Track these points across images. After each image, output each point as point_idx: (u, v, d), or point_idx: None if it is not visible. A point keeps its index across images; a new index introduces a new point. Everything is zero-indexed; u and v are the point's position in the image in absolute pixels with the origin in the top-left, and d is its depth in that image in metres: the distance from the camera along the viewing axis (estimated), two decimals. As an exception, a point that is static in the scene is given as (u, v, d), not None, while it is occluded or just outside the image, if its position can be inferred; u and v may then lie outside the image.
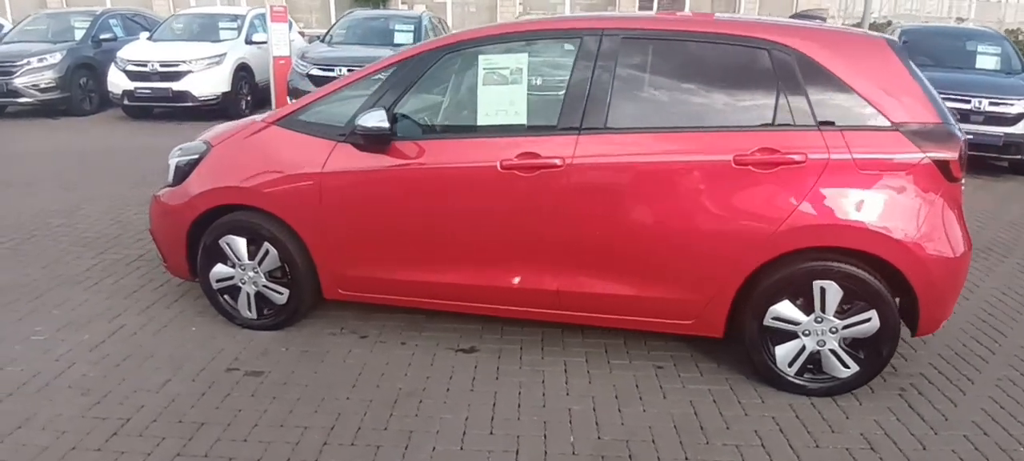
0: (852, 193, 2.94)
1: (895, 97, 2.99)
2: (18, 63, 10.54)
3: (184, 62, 10.31)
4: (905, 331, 3.15)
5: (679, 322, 3.25)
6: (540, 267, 3.27)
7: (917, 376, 3.38)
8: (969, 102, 7.82)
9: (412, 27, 10.92)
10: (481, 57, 3.32)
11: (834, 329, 3.05)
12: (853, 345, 3.10)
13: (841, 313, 3.04)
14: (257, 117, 3.79)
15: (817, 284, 3.01)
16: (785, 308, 3.07)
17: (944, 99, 3.17)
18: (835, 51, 3.06)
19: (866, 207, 2.93)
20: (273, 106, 10.20)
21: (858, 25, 14.69)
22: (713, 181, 3.04)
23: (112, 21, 12.14)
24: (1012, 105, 7.83)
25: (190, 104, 10.31)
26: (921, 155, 2.93)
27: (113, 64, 10.57)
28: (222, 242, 3.60)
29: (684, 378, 3.32)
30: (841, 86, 3.00)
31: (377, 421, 2.94)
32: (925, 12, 27.31)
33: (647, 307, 3.23)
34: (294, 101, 4.02)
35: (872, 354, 3.09)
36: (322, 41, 11.41)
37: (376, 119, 3.22)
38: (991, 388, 3.30)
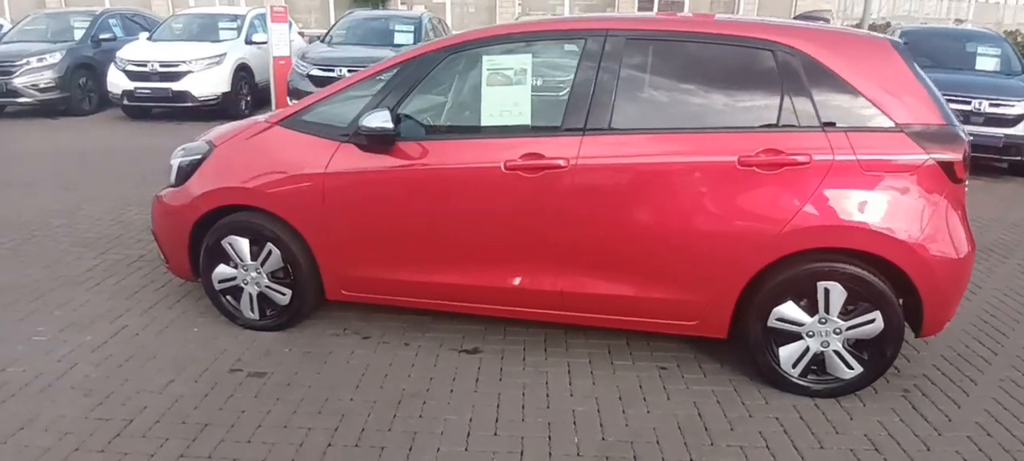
0: (856, 194, 2.94)
1: (899, 98, 2.99)
2: (17, 63, 10.51)
3: (184, 62, 10.30)
4: (908, 332, 3.15)
5: (683, 323, 3.25)
6: (544, 268, 3.26)
7: (921, 377, 3.39)
8: (969, 103, 7.81)
9: (412, 27, 10.94)
10: (485, 58, 3.32)
11: (838, 330, 3.05)
12: (857, 346, 3.10)
13: (845, 314, 3.04)
14: (260, 117, 3.78)
15: (821, 285, 3.01)
16: (789, 309, 3.07)
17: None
18: (839, 52, 3.06)
19: (870, 208, 2.93)
20: (273, 106, 10.19)
21: (857, 26, 14.70)
22: (717, 182, 3.04)
23: (111, 21, 12.12)
24: (1012, 106, 7.83)
25: (190, 104, 10.30)
26: (925, 156, 2.92)
27: (113, 64, 10.56)
28: (224, 242, 3.59)
29: (688, 379, 3.32)
30: (845, 87, 3.00)
31: (381, 422, 2.93)
32: (924, 13, 27.40)
33: (651, 308, 3.23)
34: (297, 101, 4.02)
35: (876, 355, 3.09)
36: (322, 41, 11.41)
37: (380, 119, 3.22)
38: (994, 389, 3.30)
